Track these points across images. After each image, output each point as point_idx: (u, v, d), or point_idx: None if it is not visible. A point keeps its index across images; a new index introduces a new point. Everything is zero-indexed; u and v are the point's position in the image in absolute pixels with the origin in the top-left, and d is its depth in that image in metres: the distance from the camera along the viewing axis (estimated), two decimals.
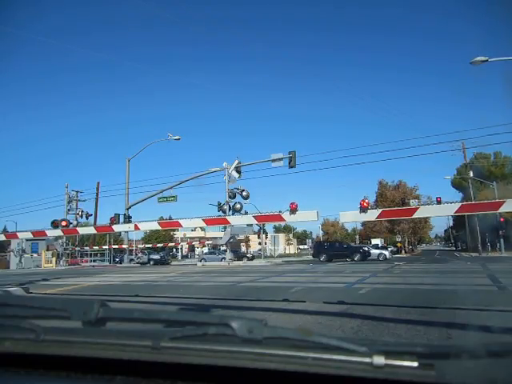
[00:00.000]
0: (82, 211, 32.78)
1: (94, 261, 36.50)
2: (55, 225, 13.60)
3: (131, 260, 34.86)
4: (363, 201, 7.64)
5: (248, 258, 37.07)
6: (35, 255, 31.23)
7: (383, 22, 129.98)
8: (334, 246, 31.80)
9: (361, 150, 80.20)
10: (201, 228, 62.28)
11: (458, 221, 47.30)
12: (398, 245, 53.80)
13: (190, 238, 65.97)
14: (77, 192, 34.49)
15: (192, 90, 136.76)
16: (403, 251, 51.31)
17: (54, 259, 30.41)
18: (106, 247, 37.33)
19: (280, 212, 8.70)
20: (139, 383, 0.87)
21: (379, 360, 0.73)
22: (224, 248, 39.43)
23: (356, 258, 28.49)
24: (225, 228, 24.59)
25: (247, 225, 45.45)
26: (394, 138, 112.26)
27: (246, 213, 23.17)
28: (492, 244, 37.04)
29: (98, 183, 39.13)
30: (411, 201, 37.07)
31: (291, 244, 71.91)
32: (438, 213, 10.22)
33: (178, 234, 68.16)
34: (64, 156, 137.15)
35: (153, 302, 7.03)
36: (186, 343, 0.85)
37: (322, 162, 40.10)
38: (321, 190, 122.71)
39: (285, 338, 0.83)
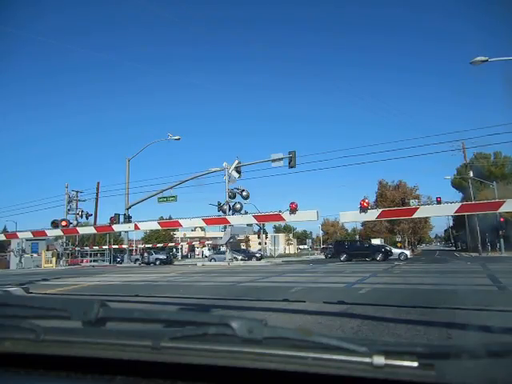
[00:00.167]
0: (82, 211, 32.79)
1: (96, 261, 36.50)
2: (55, 225, 13.60)
3: (136, 260, 34.82)
4: (363, 201, 7.64)
5: (257, 257, 37.23)
6: (35, 255, 31.25)
7: (383, 22, 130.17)
8: (354, 245, 30.84)
9: (361, 150, 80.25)
10: (201, 228, 62.31)
11: (458, 221, 47.33)
12: (398, 245, 53.73)
13: (190, 237, 66.00)
14: (77, 192, 34.51)
15: (192, 89, 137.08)
16: None
17: (54, 259, 30.43)
18: (106, 247, 37.37)
19: (280, 212, 8.70)
20: (139, 383, 0.87)
21: (379, 360, 0.73)
22: (230, 248, 39.59)
23: (378, 258, 27.31)
24: (225, 228, 24.58)
25: (247, 225, 45.54)
26: (394, 138, 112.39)
27: (246, 213, 23.16)
28: (492, 244, 37.04)
29: (98, 183, 39.19)
30: (411, 201, 37.02)
31: (291, 244, 71.99)
32: (438, 213, 10.23)
33: (178, 234, 68.17)
34: (64, 156, 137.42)
35: (153, 302, 7.03)
36: (185, 343, 0.85)
37: (321, 162, 40.09)
38: (321, 189, 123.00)
39: (285, 337, 0.83)
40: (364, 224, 61.91)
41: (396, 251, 30.00)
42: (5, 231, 40.21)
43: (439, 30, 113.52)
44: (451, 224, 54.28)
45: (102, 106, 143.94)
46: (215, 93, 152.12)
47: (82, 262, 35.67)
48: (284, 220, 9.04)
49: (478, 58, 18.52)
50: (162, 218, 39.88)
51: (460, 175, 44.18)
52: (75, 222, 30.02)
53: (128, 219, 26.22)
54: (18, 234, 14.63)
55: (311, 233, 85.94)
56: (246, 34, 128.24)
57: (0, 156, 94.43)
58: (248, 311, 5.36)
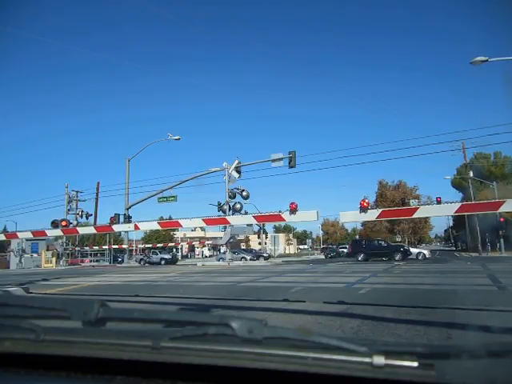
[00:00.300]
0: (82, 211, 32.77)
1: (98, 261, 36.49)
2: (55, 225, 13.62)
3: (141, 259, 34.80)
4: (363, 201, 7.66)
5: (264, 257, 37.33)
6: (35, 255, 31.24)
7: (383, 22, 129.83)
8: (372, 245, 29.85)
9: (361, 150, 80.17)
10: (201, 228, 62.28)
11: (458, 221, 47.33)
12: None
13: (189, 237, 65.99)
14: (77, 192, 34.49)
15: (192, 90, 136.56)
16: None
17: (53, 259, 30.42)
18: (106, 247, 37.36)
19: (280, 212, 8.71)
20: (139, 383, 0.87)
21: (379, 360, 0.73)
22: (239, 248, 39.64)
23: (397, 258, 26.25)
24: (225, 228, 24.58)
25: (247, 225, 45.51)
26: (394, 138, 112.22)
27: (246, 213, 23.18)
28: (492, 244, 37.01)
29: (98, 183, 39.17)
30: (411, 201, 37.02)
31: (291, 244, 71.95)
32: (438, 213, 10.24)
33: (178, 234, 68.17)
34: (64, 156, 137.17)
35: (153, 302, 7.03)
36: (185, 343, 0.85)
37: (321, 162, 40.02)
38: (321, 190, 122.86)
39: (285, 337, 0.83)
40: (364, 224, 61.94)
41: (414, 251, 29.30)
42: (5, 231, 40.22)
43: (439, 30, 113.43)
44: (451, 224, 54.28)
45: (102, 106, 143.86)
46: (215, 93, 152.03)
47: (82, 262, 35.68)
48: (284, 220, 9.06)
49: (478, 58, 18.51)
50: (162, 218, 39.86)
51: (460, 175, 44.17)
52: (75, 222, 30.02)
53: (128, 219, 26.22)
54: (18, 234, 14.64)
55: (311, 233, 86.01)
56: (245, 34, 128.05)
57: (0, 156, 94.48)
58: (248, 311, 5.36)
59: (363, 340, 2.14)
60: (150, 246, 46.84)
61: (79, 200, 34.51)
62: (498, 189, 34.51)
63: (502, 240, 34.52)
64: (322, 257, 46.02)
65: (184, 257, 53.99)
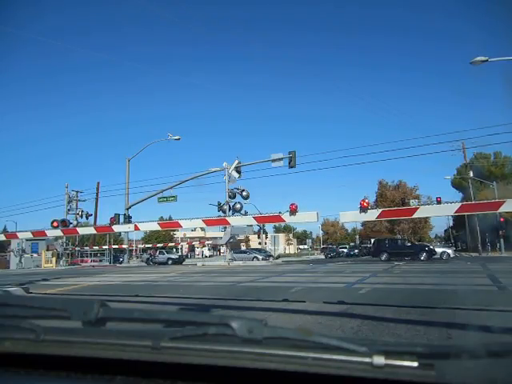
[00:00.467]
0: (82, 211, 32.80)
1: (101, 260, 36.50)
2: (55, 225, 13.61)
3: (148, 259, 34.74)
4: (363, 201, 7.67)
5: (273, 257, 37.37)
6: (35, 255, 31.27)
7: (383, 22, 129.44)
8: (396, 244, 29.17)
9: (361, 150, 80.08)
10: (201, 228, 62.30)
11: (458, 221, 47.31)
12: None
13: (189, 237, 66.02)
14: (77, 192, 34.50)
15: (192, 90, 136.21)
16: None
17: (53, 259, 30.44)
18: (106, 247, 37.37)
19: (280, 213, 8.72)
20: (139, 383, 0.87)
21: (379, 360, 0.73)
22: (257, 247, 39.41)
23: (422, 258, 25.52)
24: (225, 228, 24.57)
25: (247, 225, 45.50)
26: (394, 138, 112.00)
27: (246, 213, 23.24)
28: (492, 244, 37.01)
29: (98, 183, 39.19)
30: (411, 201, 36.99)
31: (291, 244, 72.00)
32: (438, 213, 10.26)
33: (178, 234, 68.21)
34: (64, 156, 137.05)
35: (153, 302, 7.03)
36: (186, 343, 0.85)
37: (321, 162, 40.01)
38: (321, 190, 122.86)
39: (285, 337, 0.83)
40: (364, 224, 61.96)
41: (438, 250, 28.66)
42: (5, 231, 40.25)
43: (439, 30, 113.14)
44: (451, 224, 54.21)
45: (102, 106, 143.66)
46: (215, 93, 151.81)
47: (82, 262, 35.69)
48: (284, 221, 9.08)
49: (478, 58, 18.51)
50: (162, 218, 39.83)
51: (460, 175, 44.15)
52: (75, 222, 30.03)
53: (128, 219, 26.22)
54: (18, 234, 14.65)
55: (311, 233, 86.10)
56: (245, 34, 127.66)
57: (0, 156, 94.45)
58: (248, 311, 5.36)
59: (363, 340, 2.14)
60: (150, 245, 46.91)
61: (79, 200, 34.53)
62: (498, 189, 34.51)
63: (501, 240, 34.51)
64: (322, 257, 46.07)
65: (184, 257, 54.00)
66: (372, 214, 7.74)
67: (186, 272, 17.28)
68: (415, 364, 0.73)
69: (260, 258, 33.57)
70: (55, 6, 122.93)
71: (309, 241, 70.36)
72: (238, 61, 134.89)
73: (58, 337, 0.94)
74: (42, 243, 31.11)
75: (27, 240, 28.17)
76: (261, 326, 0.84)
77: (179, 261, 33.65)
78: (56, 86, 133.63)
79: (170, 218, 38.21)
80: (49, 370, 0.92)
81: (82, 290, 9.38)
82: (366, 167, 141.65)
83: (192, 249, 60.18)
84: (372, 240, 60.00)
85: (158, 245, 44.91)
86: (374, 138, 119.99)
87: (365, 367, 0.74)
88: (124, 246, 35.07)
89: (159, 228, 14.97)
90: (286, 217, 8.40)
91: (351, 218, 9.16)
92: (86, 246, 39.72)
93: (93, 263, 34.89)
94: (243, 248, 50.76)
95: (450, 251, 29.12)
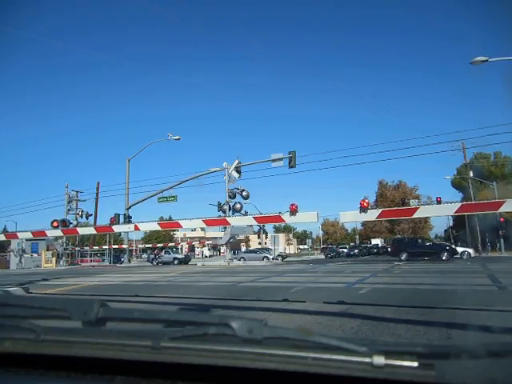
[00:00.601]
0: (82, 211, 32.79)
1: (102, 260, 36.46)
2: (55, 225, 13.61)
3: (153, 259, 34.60)
4: (363, 201, 7.66)
5: (283, 257, 37.38)
6: (35, 255, 31.27)
7: (383, 22, 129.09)
8: (416, 244, 28.20)
9: (361, 150, 79.95)
10: (201, 228, 62.31)
11: (458, 221, 47.29)
12: None
13: (189, 237, 66.03)
14: (77, 192, 34.50)
15: (192, 89, 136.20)
16: None
17: (53, 259, 30.45)
18: (106, 247, 37.36)
19: (280, 213, 8.72)
20: (139, 383, 0.87)
21: (379, 360, 0.73)
22: (266, 246, 39.44)
23: (444, 257, 24.74)
24: (225, 228, 24.58)
25: (247, 225, 45.49)
26: (394, 138, 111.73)
27: (246, 213, 23.21)
28: (492, 244, 37.02)
29: (98, 183, 39.18)
30: (411, 201, 36.98)
31: (291, 244, 71.94)
32: (438, 213, 10.25)
33: (178, 234, 68.21)
34: (64, 156, 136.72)
35: (153, 302, 7.03)
36: (186, 343, 0.85)
37: (321, 162, 39.93)
38: (321, 190, 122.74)
39: (285, 337, 0.83)
40: (364, 224, 61.93)
41: (459, 249, 28.14)
42: (5, 231, 40.27)
43: (439, 30, 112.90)
44: (451, 224, 54.11)
45: (102, 106, 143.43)
46: (215, 93, 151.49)
47: (82, 262, 35.69)
48: (284, 221, 9.07)
49: (478, 58, 18.51)
50: (162, 218, 39.81)
51: (460, 175, 44.15)
52: (75, 222, 30.02)
53: (128, 219, 26.21)
54: (18, 234, 14.65)
55: (311, 233, 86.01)
56: (245, 34, 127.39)
57: (0, 156, 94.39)
58: (248, 311, 5.36)
59: (363, 340, 2.14)
60: (150, 245, 46.90)
61: (79, 200, 34.53)
62: (498, 189, 34.51)
63: (502, 240, 34.52)
64: (322, 257, 46.05)
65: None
66: (372, 214, 7.73)
67: (186, 272, 17.28)
68: (415, 364, 0.73)
69: (270, 257, 33.61)
70: (55, 5, 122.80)
71: (309, 241, 70.34)
72: (238, 61, 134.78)
73: (57, 337, 0.94)
74: (42, 243, 31.12)
75: (27, 240, 28.17)
76: (261, 326, 0.84)
77: (185, 260, 33.37)
78: (56, 86, 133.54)
79: (170, 218, 38.28)
80: (49, 370, 0.92)
81: (81, 290, 9.38)
82: (365, 167, 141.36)
83: (192, 249, 60.15)
84: (373, 240, 60.14)
85: (158, 245, 44.92)
86: (374, 138, 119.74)
87: (365, 367, 0.74)
88: (124, 246, 35.05)
89: (159, 228, 14.97)
90: (286, 217, 8.39)
91: (351, 218, 9.15)
92: (86, 245, 39.71)
93: (93, 263, 34.87)
94: (243, 249, 50.81)
95: (470, 250, 28.63)
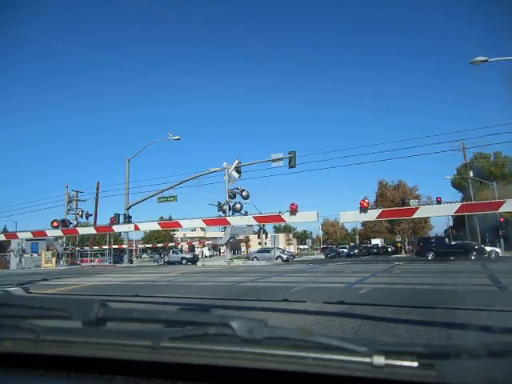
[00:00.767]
0: (82, 211, 32.79)
1: (103, 260, 36.43)
2: (55, 225, 13.60)
3: (159, 259, 34.46)
4: (363, 201, 7.65)
5: (293, 256, 37.39)
6: (35, 255, 31.26)
7: (383, 22, 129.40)
8: (443, 243, 27.59)
9: (361, 150, 79.96)
10: (201, 228, 62.32)
11: (458, 221, 47.27)
12: (398, 245, 53.81)
13: (190, 237, 66.01)
14: (77, 192, 34.51)
15: (192, 90, 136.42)
16: (403, 251, 51.29)
17: (53, 259, 30.45)
18: (106, 247, 37.35)
19: (280, 213, 8.70)
20: (139, 383, 0.87)
21: (379, 360, 0.73)
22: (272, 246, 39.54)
23: (473, 257, 23.92)
24: (225, 228, 24.56)
25: (247, 225, 45.49)
26: (394, 138, 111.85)
27: (246, 213, 23.17)
28: (492, 244, 37.00)
29: (98, 183, 39.20)
30: (411, 201, 36.94)
31: (291, 244, 71.89)
32: (438, 213, 10.25)
33: (178, 234, 68.20)
34: (64, 156, 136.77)
35: (153, 302, 7.03)
36: (186, 343, 0.85)
37: (321, 162, 40.02)
38: (321, 190, 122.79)
39: (285, 337, 0.83)
40: (364, 224, 61.82)
41: (487, 249, 27.30)
42: (5, 231, 40.26)
43: (439, 30, 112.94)
44: (451, 224, 54.08)
45: (102, 106, 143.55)
46: (215, 93, 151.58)
47: (82, 261, 35.69)
48: (284, 221, 9.06)
49: (478, 58, 18.50)
50: (162, 218, 39.80)
51: (460, 175, 44.15)
52: (75, 222, 30.02)
53: (128, 219, 26.20)
54: (18, 234, 14.64)
55: (311, 233, 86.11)
56: (245, 34, 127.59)
57: (0, 156, 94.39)
58: (248, 311, 5.36)
59: (363, 340, 2.14)
60: (150, 245, 46.89)
61: (79, 200, 34.53)
62: (498, 189, 34.49)
63: (502, 240, 34.51)
64: (322, 257, 46.06)
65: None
66: (372, 214, 7.73)
67: (186, 272, 17.29)
68: (415, 364, 0.73)
69: (284, 257, 33.71)
70: (55, 6, 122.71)
71: (309, 241, 70.35)
72: (238, 61, 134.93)
73: (58, 337, 0.94)
74: (42, 243, 31.12)
75: (27, 240, 28.16)
76: (261, 326, 0.84)
77: (193, 260, 32.98)
78: (56, 86, 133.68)
79: (170, 218, 38.22)
80: (49, 370, 0.92)
81: (81, 290, 9.38)
82: (365, 167, 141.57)
83: (192, 249, 60.08)
84: (373, 240, 60.02)
85: (158, 245, 44.91)
86: (373, 138, 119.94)
87: (365, 367, 0.74)
88: (124, 246, 35.04)
89: (159, 228, 14.97)
90: (286, 217, 8.38)
91: (351, 218, 9.14)
92: (86, 245, 39.72)
93: (93, 263, 34.85)
94: (243, 248, 50.76)
95: (498, 250, 27.94)
